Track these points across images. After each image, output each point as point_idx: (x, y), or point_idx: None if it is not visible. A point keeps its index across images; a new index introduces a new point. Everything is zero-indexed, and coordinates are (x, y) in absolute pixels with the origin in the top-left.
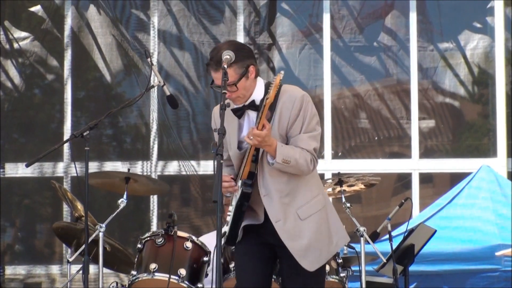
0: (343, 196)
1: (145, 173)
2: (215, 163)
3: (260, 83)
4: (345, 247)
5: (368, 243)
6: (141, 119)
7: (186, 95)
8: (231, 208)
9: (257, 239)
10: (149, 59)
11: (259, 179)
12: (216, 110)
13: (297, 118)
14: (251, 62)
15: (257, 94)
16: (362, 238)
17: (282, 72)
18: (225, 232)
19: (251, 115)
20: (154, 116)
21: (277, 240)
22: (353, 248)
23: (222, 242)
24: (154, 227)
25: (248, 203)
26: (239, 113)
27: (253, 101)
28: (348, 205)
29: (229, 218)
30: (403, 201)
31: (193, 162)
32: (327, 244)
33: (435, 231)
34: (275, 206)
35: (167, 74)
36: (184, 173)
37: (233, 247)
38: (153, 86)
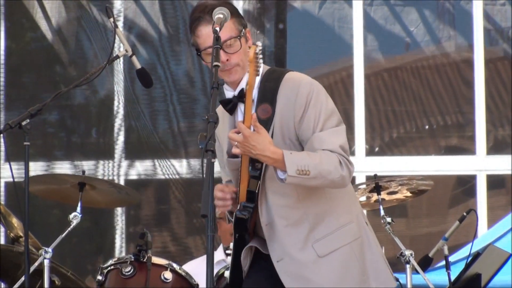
0: (381, 208)
1: (106, 177)
2: (204, 162)
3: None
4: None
5: (417, 272)
6: (102, 102)
7: (163, 68)
8: (231, 245)
9: (270, 270)
10: (111, 19)
11: (260, 201)
12: (220, 109)
13: (306, 112)
14: (246, 24)
15: (245, 81)
16: (408, 266)
17: (259, 43)
18: (227, 264)
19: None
20: (119, 98)
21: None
22: (397, 280)
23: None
24: (120, 252)
25: (248, 235)
26: (229, 106)
27: (241, 91)
28: (389, 220)
29: (229, 259)
30: (465, 214)
31: (174, 161)
32: (362, 285)
33: (510, 255)
34: (277, 239)
35: (137, 39)
36: (161, 176)
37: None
38: (117, 57)
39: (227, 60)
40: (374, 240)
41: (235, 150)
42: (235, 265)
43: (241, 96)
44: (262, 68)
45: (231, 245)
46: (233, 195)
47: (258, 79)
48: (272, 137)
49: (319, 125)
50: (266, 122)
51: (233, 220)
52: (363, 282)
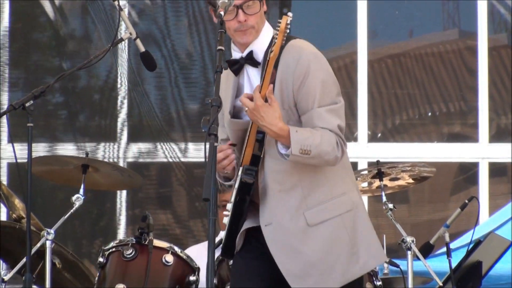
0: (383, 194)
1: (110, 160)
2: (207, 146)
3: (267, 30)
4: (385, 265)
5: (418, 259)
6: (105, 84)
7: (166, 48)
8: (230, 206)
9: (261, 249)
10: (116, 2)
11: (260, 165)
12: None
13: (304, 84)
14: None
15: (259, 44)
16: (409, 252)
17: (290, 14)
18: (220, 240)
19: (251, 73)
20: (122, 80)
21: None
22: (397, 266)
23: (217, 254)
24: (121, 235)
25: (249, 198)
26: (235, 67)
27: (251, 53)
28: (391, 206)
29: (226, 220)
30: (466, 201)
31: (176, 144)
32: (345, 262)
33: (511, 243)
34: (269, 203)
35: (141, 21)
36: (164, 159)
37: (231, 261)
38: (121, 40)
39: (245, 20)
40: (366, 213)
41: (247, 114)
42: (232, 225)
43: (249, 58)
44: (273, 32)
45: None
46: (232, 151)
47: (268, 42)
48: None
49: (317, 98)
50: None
51: (236, 184)
52: (353, 255)
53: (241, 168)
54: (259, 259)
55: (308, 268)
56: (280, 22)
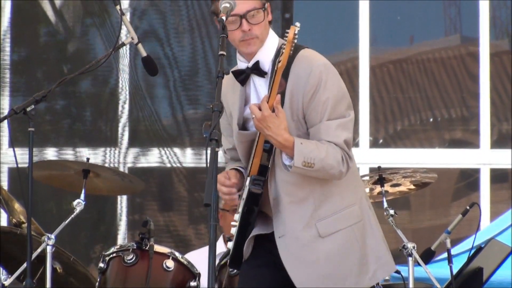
0: (384, 200)
1: (111, 165)
2: (209, 151)
3: (272, 39)
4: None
5: (419, 265)
6: (107, 89)
7: (167, 56)
8: (237, 217)
9: (268, 257)
10: (118, 7)
11: (270, 176)
12: (224, 90)
13: (315, 97)
14: None
15: (265, 53)
16: (410, 259)
17: (298, 24)
18: (228, 250)
19: (257, 83)
20: (124, 85)
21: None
22: (398, 272)
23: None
24: (122, 240)
25: (257, 208)
26: (241, 77)
27: (257, 63)
28: (392, 212)
29: (234, 231)
30: (468, 207)
31: (178, 150)
32: (356, 273)
33: None
34: (281, 215)
35: (144, 26)
36: (165, 164)
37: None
38: (123, 44)
39: (249, 30)
40: (376, 223)
41: (254, 122)
42: (240, 235)
43: (255, 68)
44: (278, 41)
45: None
46: (237, 187)
47: (274, 52)
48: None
49: (328, 111)
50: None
51: (244, 194)
52: (363, 265)
53: (248, 179)
54: (267, 267)
55: (321, 280)
56: (287, 32)
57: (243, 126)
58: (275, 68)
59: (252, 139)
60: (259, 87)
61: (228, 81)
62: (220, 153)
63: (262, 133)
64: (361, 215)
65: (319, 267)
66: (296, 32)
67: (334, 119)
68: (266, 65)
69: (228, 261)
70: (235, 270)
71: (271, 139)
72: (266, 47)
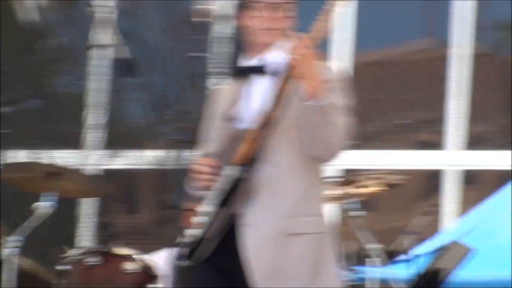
0: (350, 201)
1: (78, 166)
2: (177, 153)
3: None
4: (351, 272)
5: (382, 266)
6: (77, 90)
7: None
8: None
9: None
10: (93, 8)
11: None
12: (216, 93)
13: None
14: None
15: (274, 54)
16: (372, 259)
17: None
18: (191, 239)
19: (257, 81)
20: (95, 86)
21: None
22: (360, 273)
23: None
24: (85, 242)
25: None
26: (241, 74)
27: (261, 61)
28: (356, 213)
29: (202, 219)
30: (430, 208)
31: (145, 152)
32: (305, 280)
33: (473, 250)
34: (255, 205)
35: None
36: (132, 167)
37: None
38: (99, 45)
39: (280, 19)
40: (332, 239)
41: (293, 52)
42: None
43: (260, 67)
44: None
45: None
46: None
47: (282, 54)
48: (284, 109)
49: (338, 103)
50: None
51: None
52: (314, 276)
53: (230, 167)
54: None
55: (273, 273)
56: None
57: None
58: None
59: (231, 135)
60: (254, 86)
61: (223, 87)
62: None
63: (297, 70)
64: (325, 228)
65: (274, 263)
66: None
67: (342, 112)
68: (272, 66)
69: (182, 252)
70: (95, 261)
71: (305, 77)
72: (276, 48)
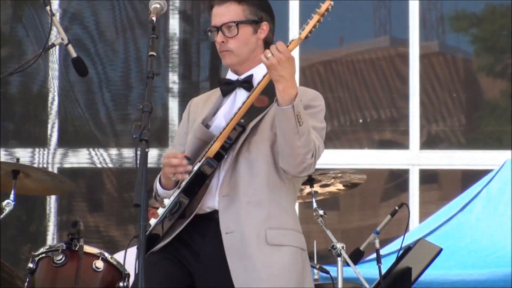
0: (313, 200)
1: (40, 165)
2: (138, 152)
3: None
4: (316, 271)
5: (348, 265)
6: (36, 90)
7: (96, 53)
8: (167, 201)
9: (175, 253)
10: (48, 8)
11: (225, 169)
12: (196, 101)
13: (308, 109)
14: (267, 19)
15: (259, 70)
16: (339, 259)
17: (332, 2)
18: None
19: (240, 96)
20: (54, 86)
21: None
22: (327, 272)
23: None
24: (51, 240)
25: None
26: (226, 87)
27: (251, 76)
28: (321, 212)
29: (161, 211)
30: (396, 207)
31: (108, 150)
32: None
33: (441, 249)
34: (234, 212)
35: (73, 27)
36: (94, 165)
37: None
38: (53, 45)
39: (222, 42)
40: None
41: (263, 59)
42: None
43: (245, 82)
44: None
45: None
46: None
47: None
48: (260, 122)
49: (312, 123)
50: (257, 110)
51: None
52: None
53: (203, 159)
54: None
55: (257, 283)
56: (320, 6)
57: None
58: (291, 40)
59: (205, 140)
60: (237, 100)
61: (203, 95)
62: (152, 153)
63: (274, 73)
64: (304, 245)
65: (259, 273)
66: (329, 8)
67: (317, 132)
68: (256, 82)
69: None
70: (62, 259)
71: (283, 81)
72: (260, 67)
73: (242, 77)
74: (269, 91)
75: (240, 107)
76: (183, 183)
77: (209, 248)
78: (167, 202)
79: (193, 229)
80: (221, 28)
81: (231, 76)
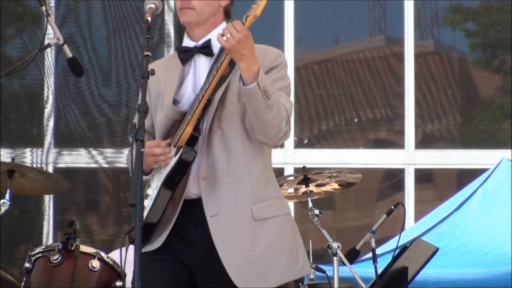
0: (309, 200)
1: (35, 165)
2: (133, 151)
3: (223, 26)
4: (312, 270)
5: (344, 264)
6: (32, 89)
7: (87, 51)
8: (151, 191)
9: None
10: (44, 8)
11: (201, 152)
12: (154, 64)
13: (272, 72)
14: None
15: (215, 34)
16: (335, 258)
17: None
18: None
19: (200, 63)
20: (49, 86)
21: (196, 253)
22: (323, 272)
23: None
24: (48, 240)
25: (181, 179)
26: (185, 56)
27: (209, 41)
28: (317, 212)
29: (148, 202)
30: (392, 207)
31: (103, 150)
32: (285, 262)
33: (437, 249)
34: (216, 194)
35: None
36: (90, 165)
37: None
38: (49, 45)
39: None
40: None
41: (226, 42)
42: (157, 203)
43: (204, 47)
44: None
45: None
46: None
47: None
48: (226, 93)
49: (278, 85)
50: (221, 79)
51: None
52: (292, 257)
53: (181, 148)
54: (174, 265)
55: (249, 262)
56: (255, 4)
57: (175, 101)
58: (244, 19)
59: (177, 119)
60: (199, 67)
61: (160, 63)
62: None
63: (235, 54)
64: (288, 209)
65: (250, 249)
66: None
67: (283, 93)
68: (216, 47)
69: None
70: (58, 258)
71: (244, 59)
72: (217, 30)
73: (200, 42)
74: (229, 62)
75: (207, 87)
76: (164, 175)
77: (200, 234)
78: (150, 192)
79: (182, 217)
80: None
81: (187, 43)
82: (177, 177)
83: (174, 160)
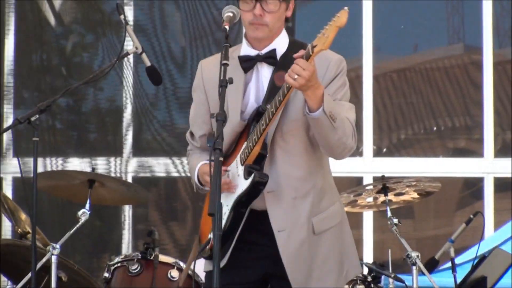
0: (388, 209)
1: (116, 174)
2: (213, 160)
3: (284, 38)
4: (391, 280)
5: (423, 274)
6: (111, 99)
7: (166, 63)
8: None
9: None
10: (122, 16)
11: (268, 168)
12: (207, 62)
13: (334, 82)
14: None
15: (281, 44)
16: (414, 268)
17: (347, 8)
18: (209, 240)
19: (263, 72)
20: (128, 94)
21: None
22: (403, 282)
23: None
24: (127, 250)
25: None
26: (248, 64)
27: (273, 51)
28: (396, 221)
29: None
30: (471, 216)
31: (182, 159)
32: (337, 273)
33: None
34: (282, 208)
35: (145, 36)
36: (169, 174)
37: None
38: (127, 54)
39: (260, 15)
40: (348, 224)
41: (294, 82)
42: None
43: (269, 57)
44: (289, 41)
45: None
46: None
47: (286, 46)
48: (288, 105)
49: (342, 93)
50: (279, 89)
51: (245, 186)
52: (341, 265)
53: (242, 168)
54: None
55: (309, 274)
56: (337, 16)
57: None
58: (311, 50)
59: (241, 132)
60: (261, 76)
61: (212, 66)
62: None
63: (305, 89)
64: (341, 212)
65: (311, 265)
66: (346, 16)
67: (346, 102)
68: (279, 54)
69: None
70: (137, 268)
71: (310, 89)
72: (280, 39)
73: (264, 51)
74: (286, 65)
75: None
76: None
77: (267, 248)
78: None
79: (247, 228)
80: (260, 0)
81: (248, 51)
82: (250, 199)
83: (246, 184)
